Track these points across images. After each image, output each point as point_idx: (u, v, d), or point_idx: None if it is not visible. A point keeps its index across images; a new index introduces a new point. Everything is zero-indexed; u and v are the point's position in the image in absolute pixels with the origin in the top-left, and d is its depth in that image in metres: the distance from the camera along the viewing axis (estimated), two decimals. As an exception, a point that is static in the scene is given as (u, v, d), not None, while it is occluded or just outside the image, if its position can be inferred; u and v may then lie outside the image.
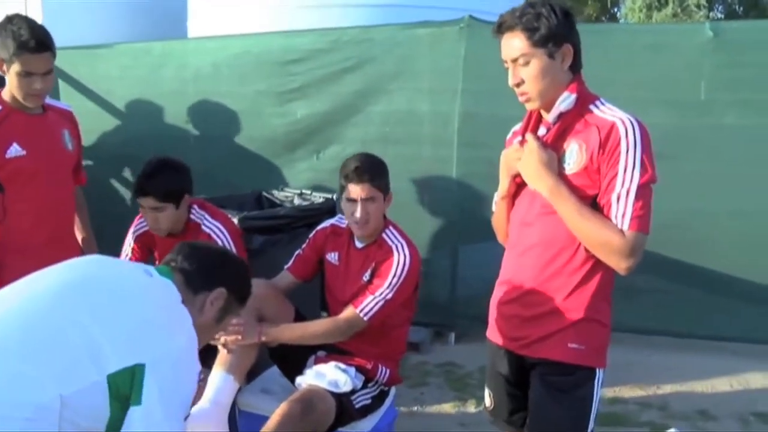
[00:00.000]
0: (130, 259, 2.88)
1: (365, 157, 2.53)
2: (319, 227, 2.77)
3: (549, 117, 1.85)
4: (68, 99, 4.66)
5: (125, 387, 1.44)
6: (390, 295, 2.43)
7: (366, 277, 2.53)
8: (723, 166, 3.74)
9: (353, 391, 2.42)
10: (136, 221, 2.93)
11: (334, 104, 4.33)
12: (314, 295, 3.28)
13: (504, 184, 1.99)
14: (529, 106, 1.87)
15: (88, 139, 4.11)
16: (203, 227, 2.76)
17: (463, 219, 4.14)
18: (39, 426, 1.34)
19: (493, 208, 2.14)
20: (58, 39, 2.58)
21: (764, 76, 3.66)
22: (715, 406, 3.48)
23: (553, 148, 1.83)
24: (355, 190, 2.44)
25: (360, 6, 4.85)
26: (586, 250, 1.81)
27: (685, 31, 4.02)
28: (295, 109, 4.43)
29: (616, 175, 1.73)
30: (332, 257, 2.67)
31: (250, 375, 2.66)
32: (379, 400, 2.54)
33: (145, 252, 2.94)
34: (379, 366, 2.53)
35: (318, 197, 3.77)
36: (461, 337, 4.36)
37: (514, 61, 1.81)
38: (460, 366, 4.00)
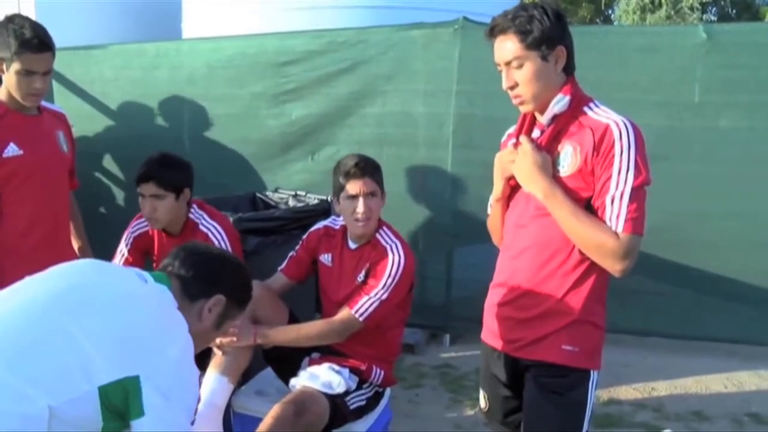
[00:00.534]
0: (125, 262, 2.86)
1: (361, 155, 2.55)
2: (312, 229, 2.78)
3: (543, 119, 1.85)
4: (62, 100, 4.65)
5: (117, 399, 1.41)
6: (385, 296, 2.43)
7: (360, 277, 2.53)
8: (717, 167, 3.75)
9: (347, 393, 2.41)
10: (133, 222, 2.92)
11: (328, 106, 4.33)
12: (309, 297, 3.28)
13: (498, 187, 1.99)
14: (523, 109, 1.87)
15: (81, 140, 4.10)
16: (201, 227, 2.76)
17: (458, 221, 4.14)
18: None
19: (488, 210, 2.13)
20: (50, 40, 2.56)
21: (757, 78, 3.67)
22: (709, 407, 3.49)
23: (548, 150, 1.83)
24: (357, 186, 2.45)
25: (353, 8, 4.85)
26: (581, 253, 1.81)
27: (678, 33, 4.02)
28: (289, 111, 4.43)
29: (610, 177, 1.73)
30: (326, 258, 2.67)
31: (245, 377, 2.66)
32: (374, 401, 2.54)
33: (141, 256, 2.91)
34: (374, 367, 2.53)
35: (313, 198, 3.77)
36: (456, 338, 4.36)
37: (508, 64, 1.81)
38: (455, 368, 4.00)
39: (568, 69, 1.83)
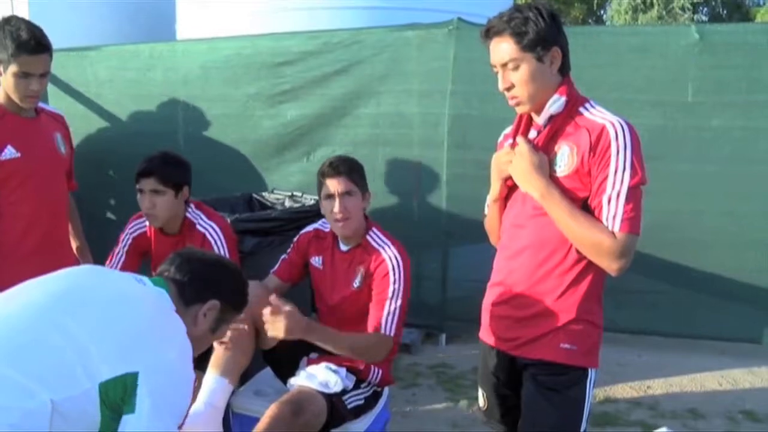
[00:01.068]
0: (122, 264, 2.87)
1: (340, 156, 2.59)
2: (303, 231, 2.79)
3: (539, 120, 1.86)
4: (57, 101, 4.65)
5: (116, 395, 1.43)
6: (399, 302, 2.44)
7: (356, 283, 2.54)
8: (709, 166, 3.78)
9: (345, 392, 2.41)
10: (130, 223, 2.92)
11: (324, 106, 4.34)
12: (304, 298, 3.29)
13: (495, 187, 2.00)
14: (520, 110, 1.89)
15: (76, 141, 4.09)
16: (198, 227, 2.78)
17: (453, 220, 4.15)
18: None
19: (485, 210, 2.15)
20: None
21: (749, 78, 3.70)
22: (704, 405, 3.52)
23: (544, 150, 1.85)
24: (332, 184, 2.47)
25: (348, 8, 4.86)
26: (578, 252, 1.83)
27: (671, 33, 4.03)
28: (285, 112, 4.43)
29: (606, 177, 1.75)
30: (316, 261, 2.68)
31: (243, 377, 2.66)
32: (372, 400, 2.55)
33: (138, 257, 2.92)
34: (372, 367, 2.53)
35: (309, 199, 3.78)
36: (452, 338, 4.38)
37: (504, 65, 1.82)
38: (451, 367, 4.02)
39: (564, 69, 1.84)
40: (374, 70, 4.21)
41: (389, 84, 4.19)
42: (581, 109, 1.84)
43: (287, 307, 2.21)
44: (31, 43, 2.37)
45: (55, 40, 2.54)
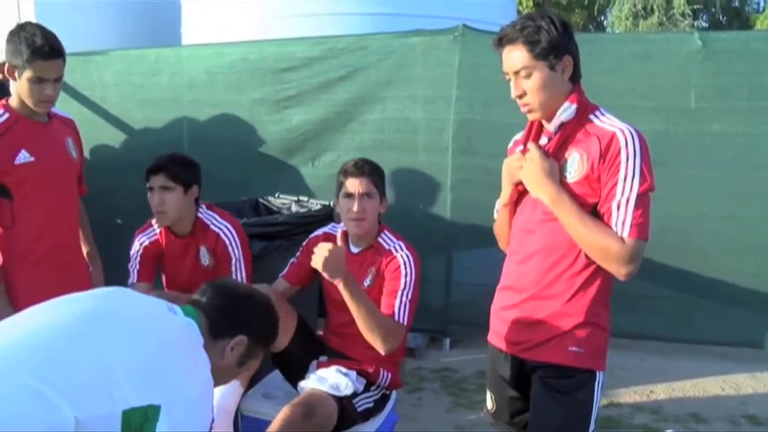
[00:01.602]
0: (139, 278, 2.90)
1: (365, 158, 2.62)
2: (312, 235, 2.82)
3: (550, 127, 1.90)
4: (62, 105, 4.63)
5: (137, 423, 1.44)
6: (410, 295, 2.47)
7: (367, 282, 2.56)
8: (711, 172, 3.81)
9: (355, 395, 2.44)
10: (137, 236, 2.94)
11: (329, 112, 4.37)
12: (312, 303, 3.32)
13: (506, 192, 2.03)
14: (531, 117, 1.92)
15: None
16: (212, 227, 2.82)
17: (457, 225, 4.18)
18: None
19: (495, 215, 2.18)
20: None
21: (751, 85, 3.73)
22: (707, 409, 3.55)
23: (555, 157, 1.88)
24: (354, 184, 2.50)
25: (353, 15, 4.90)
26: (587, 257, 1.86)
27: (674, 40, 4.07)
28: (290, 117, 4.46)
29: (616, 183, 1.78)
30: None
31: (252, 380, 2.69)
32: (381, 403, 2.58)
33: (153, 268, 2.94)
34: (381, 370, 2.56)
35: (315, 204, 3.80)
36: (456, 342, 4.41)
37: (516, 73, 1.85)
38: (455, 371, 4.04)
39: (575, 77, 1.88)
40: (379, 75, 4.24)
41: (394, 90, 4.22)
42: (591, 117, 1.88)
43: (340, 245, 2.32)
44: (45, 49, 2.40)
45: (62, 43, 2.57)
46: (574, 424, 1.91)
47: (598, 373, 1.93)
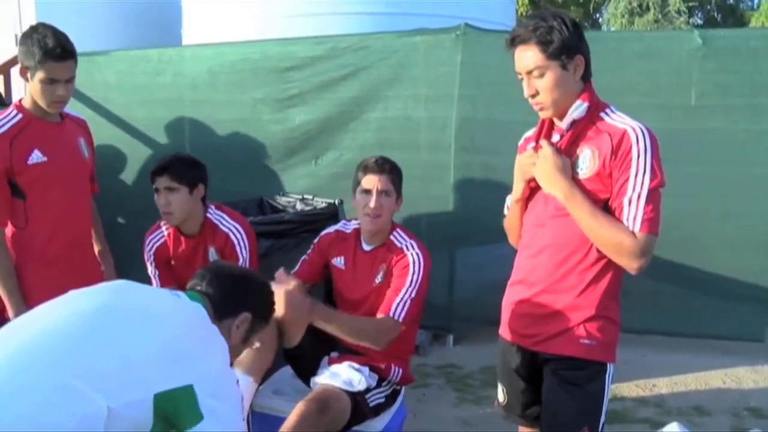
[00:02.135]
0: (159, 279, 2.95)
1: (384, 156, 2.65)
2: (324, 232, 2.84)
3: (562, 124, 1.93)
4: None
5: (168, 406, 1.48)
6: (414, 294, 2.49)
7: (378, 279, 2.59)
8: (713, 169, 3.86)
9: (367, 390, 2.47)
10: (146, 241, 2.97)
11: (331, 111, 4.40)
12: (317, 298, 3.34)
13: (518, 188, 2.06)
14: (543, 115, 1.96)
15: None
16: (221, 227, 2.84)
17: (460, 223, 4.22)
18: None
19: (505, 211, 2.21)
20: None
21: (751, 82, 3.77)
22: (709, 402, 3.59)
23: (567, 153, 1.92)
24: (372, 180, 2.53)
25: (355, 14, 4.92)
26: (598, 251, 1.90)
27: (675, 38, 4.12)
28: (292, 116, 4.48)
29: (627, 179, 1.82)
30: (338, 262, 2.73)
31: (263, 376, 2.71)
32: (391, 399, 2.60)
33: (169, 269, 2.97)
34: (392, 365, 2.59)
35: (320, 202, 3.83)
36: (459, 339, 4.44)
37: (529, 73, 1.89)
38: (459, 367, 4.07)
39: (586, 76, 1.92)
40: (381, 74, 4.27)
41: (397, 88, 4.25)
42: (602, 115, 1.92)
43: (290, 286, 2.32)
44: (57, 50, 2.42)
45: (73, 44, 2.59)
46: (587, 416, 1.95)
47: (608, 365, 1.97)
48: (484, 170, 4.12)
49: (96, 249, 2.92)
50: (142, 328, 1.56)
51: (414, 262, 2.53)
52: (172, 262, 2.94)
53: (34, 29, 2.47)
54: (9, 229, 2.56)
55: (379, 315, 2.49)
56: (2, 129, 2.48)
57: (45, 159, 2.52)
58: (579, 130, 1.91)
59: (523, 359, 2.09)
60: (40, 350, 1.46)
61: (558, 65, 1.85)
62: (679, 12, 14.00)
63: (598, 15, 17.42)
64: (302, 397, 2.38)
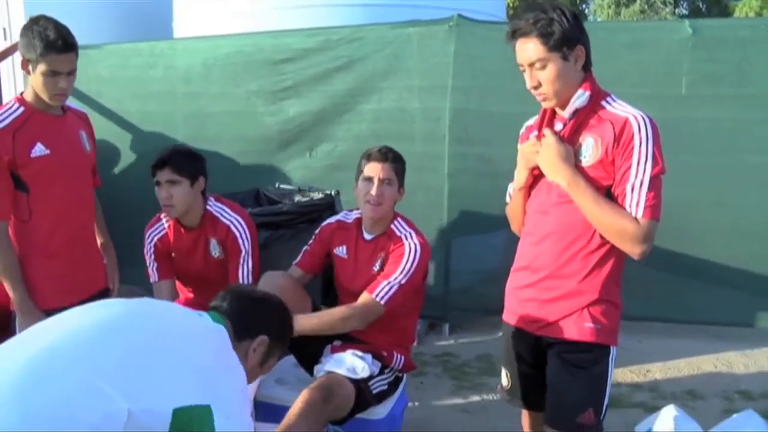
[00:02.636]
0: (158, 273, 2.97)
1: (388, 146, 2.68)
2: (325, 223, 2.87)
3: (564, 113, 1.97)
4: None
5: (184, 423, 1.49)
6: (404, 280, 2.52)
7: (376, 267, 2.62)
8: (704, 158, 3.89)
9: (371, 377, 2.51)
10: (146, 234, 2.98)
11: (325, 103, 4.39)
12: (315, 290, 3.37)
13: (522, 176, 2.10)
14: (546, 105, 1.99)
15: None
16: (223, 219, 2.86)
17: (455, 213, 4.24)
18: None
19: (507, 199, 2.25)
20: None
21: (741, 72, 3.81)
22: (702, 386, 3.68)
23: (569, 142, 1.96)
24: (375, 168, 2.56)
25: (349, 6, 4.93)
26: (601, 237, 1.94)
27: (665, 28, 4.15)
28: (286, 108, 4.47)
29: (630, 167, 1.87)
30: (340, 251, 2.76)
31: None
32: (393, 386, 2.64)
33: (169, 261, 2.99)
34: (395, 353, 2.63)
35: (318, 193, 3.85)
36: (455, 328, 4.49)
37: (531, 65, 1.92)
38: (456, 356, 4.12)
39: (586, 66, 1.95)
40: (375, 66, 4.27)
41: (390, 80, 4.25)
42: (603, 103, 1.95)
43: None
44: (58, 42, 2.42)
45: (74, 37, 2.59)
46: (592, 398, 2.00)
47: (612, 348, 2.02)
48: (478, 161, 4.14)
49: (99, 241, 2.93)
50: (167, 340, 1.58)
51: (410, 251, 2.56)
52: (173, 255, 2.96)
53: (35, 21, 2.47)
54: (11, 222, 2.56)
55: (363, 294, 2.52)
56: (5, 122, 2.48)
57: (48, 152, 2.52)
58: (581, 119, 1.95)
59: (527, 344, 2.14)
60: (68, 348, 1.48)
61: (559, 57, 1.88)
62: (664, 2, 14.11)
63: (584, 6, 17.50)
64: (305, 386, 2.41)
